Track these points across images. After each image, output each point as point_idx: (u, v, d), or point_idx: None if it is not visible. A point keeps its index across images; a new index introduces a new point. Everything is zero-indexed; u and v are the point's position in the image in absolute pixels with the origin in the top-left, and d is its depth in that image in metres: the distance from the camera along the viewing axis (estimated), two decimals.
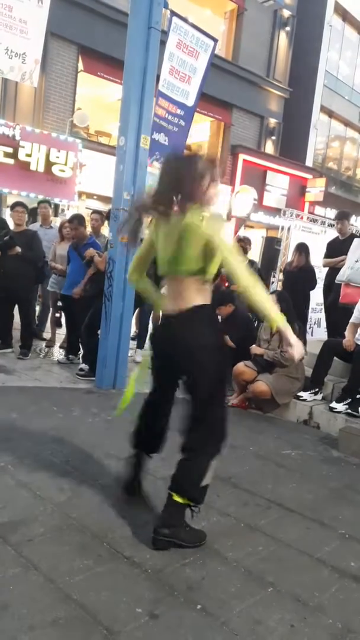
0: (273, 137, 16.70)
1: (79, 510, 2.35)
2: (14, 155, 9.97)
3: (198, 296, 2.18)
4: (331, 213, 17.20)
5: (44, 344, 6.33)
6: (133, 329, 5.99)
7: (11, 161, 9.97)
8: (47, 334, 6.60)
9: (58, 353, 6.00)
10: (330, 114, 18.80)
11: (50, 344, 6.34)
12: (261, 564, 2.13)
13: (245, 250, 6.65)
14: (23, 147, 9.98)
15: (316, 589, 2.01)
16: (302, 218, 8.83)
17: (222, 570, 2.07)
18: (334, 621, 1.83)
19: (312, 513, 2.67)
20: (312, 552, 2.28)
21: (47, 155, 10.31)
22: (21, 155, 10.03)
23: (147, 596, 1.84)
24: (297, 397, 4.52)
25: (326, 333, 6.26)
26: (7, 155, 9.92)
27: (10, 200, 10.05)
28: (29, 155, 10.14)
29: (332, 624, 1.82)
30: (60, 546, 2.07)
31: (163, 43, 5.23)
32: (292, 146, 17.24)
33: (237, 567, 2.09)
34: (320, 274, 6.49)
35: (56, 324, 6.49)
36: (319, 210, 16.93)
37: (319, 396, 4.59)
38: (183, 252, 2.14)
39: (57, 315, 6.40)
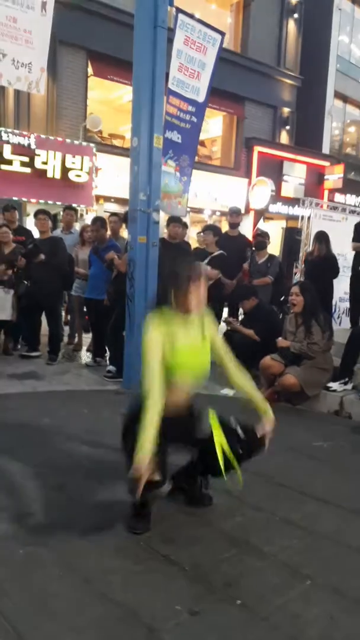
0: (287, 127, 16.49)
1: (114, 510, 2.37)
2: (30, 164, 10.14)
3: None
4: (351, 199, 16.92)
5: (71, 347, 6.41)
6: None
7: (28, 170, 10.13)
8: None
9: (85, 356, 6.08)
10: (345, 98, 18.47)
11: (78, 347, 6.42)
12: (298, 557, 2.12)
13: (264, 245, 6.61)
14: (39, 155, 10.14)
15: (355, 580, 1.99)
16: (322, 206, 8.70)
17: (259, 565, 2.06)
18: None
19: (347, 504, 2.64)
20: (349, 543, 2.25)
21: (63, 162, 10.44)
22: (37, 164, 10.19)
23: (186, 593, 1.85)
24: (327, 388, 4.47)
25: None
26: (23, 164, 10.09)
27: (30, 209, 10.23)
28: (45, 163, 10.29)
29: None
30: (97, 547, 2.10)
31: (170, 41, 5.22)
32: (307, 134, 17.01)
33: (274, 561, 2.09)
34: (346, 261, 6.39)
35: (83, 327, 6.57)
36: (338, 197, 16.65)
37: (349, 386, 4.52)
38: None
39: (85, 318, 6.48)
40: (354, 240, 5.93)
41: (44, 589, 1.84)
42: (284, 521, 2.39)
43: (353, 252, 5.93)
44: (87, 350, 6.21)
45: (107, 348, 5.58)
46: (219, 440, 2.26)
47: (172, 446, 2.28)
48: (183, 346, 2.28)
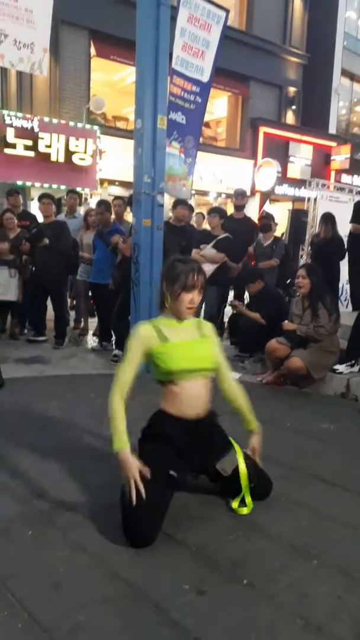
0: (293, 107, 16.24)
1: (119, 492, 2.39)
2: (33, 147, 10.06)
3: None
4: (358, 180, 16.70)
5: (77, 332, 6.43)
6: None
7: (31, 154, 10.06)
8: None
9: (92, 341, 6.09)
10: (352, 77, 18.12)
11: (84, 332, 6.43)
12: (305, 538, 2.13)
13: (270, 227, 6.55)
14: (42, 138, 10.05)
15: None
16: (328, 187, 8.60)
17: (266, 546, 2.08)
18: None
19: (355, 486, 2.65)
20: (356, 524, 2.26)
21: (67, 145, 10.35)
22: (41, 147, 10.11)
23: (193, 573, 1.87)
24: (333, 370, 4.46)
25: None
26: (27, 148, 10.02)
27: (34, 193, 10.18)
28: (49, 147, 10.22)
29: None
30: (105, 528, 2.12)
31: (173, 19, 5.11)
32: (313, 114, 16.74)
33: (280, 542, 2.10)
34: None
35: (88, 312, 6.57)
36: (345, 178, 16.45)
37: (356, 368, 4.51)
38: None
39: (90, 302, 6.48)
40: (352, 221, 5.85)
41: (53, 569, 1.86)
42: (291, 502, 2.40)
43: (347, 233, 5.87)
44: (93, 334, 6.22)
45: (112, 332, 5.59)
46: (244, 480, 2.28)
47: (187, 461, 2.26)
48: (179, 342, 2.27)
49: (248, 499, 2.29)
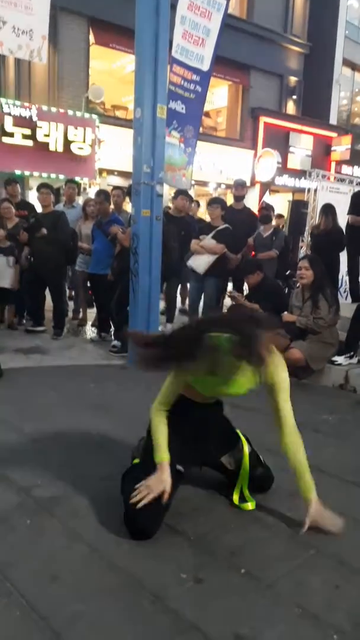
0: (294, 97, 16.13)
1: (119, 482, 2.39)
2: (32, 136, 9.99)
3: None
4: (359, 171, 16.63)
5: (76, 323, 6.42)
6: (161, 304, 6.00)
7: (30, 143, 9.99)
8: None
9: (90, 331, 6.08)
10: (354, 66, 17.96)
11: (82, 322, 6.42)
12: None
13: (269, 218, 6.52)
14: (40, 127, 9.98)
15: (359, 550, 2.01)
16: (328, 178, 8.57)
17: (263, 536, 2.09)
18: None
19: (352, 477, 2.66)
20: (354, 515, 2.27)
21: (65, 134, 10.28)
22: (39, 136, 10.04)
23: (191, 562, 1.88)
24: (332, 362, 4.46)
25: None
26: (25, 137, 9.95)
27: (32, 183, 10.13)
28: (47, 136, 10.14)
29: None
30: (103, 518, 2.13)
31: (173, 7, 5.05)
32: (314, 104, 16.63)
33: (278, 532, 2.11)
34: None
35: (87, 302, 6.56)
36: (346, 169, 16.38)
37: (354, 360, 4.51)
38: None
39: (89, 293, 6.47)
40: (350, 212, 5.82)
41: (52, 558, 1.87)
42: (289, 493, 2.40)
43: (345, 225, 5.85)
44: (92, 325, 6.21)
45: (111, 323, 5.58)
46: (245, 477, 2.28)
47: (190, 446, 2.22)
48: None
49: (246, 492, 2.30)
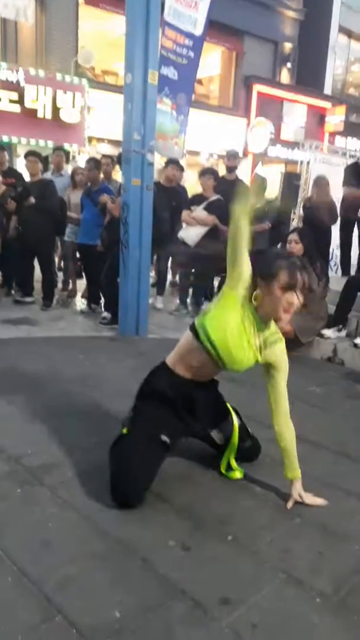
0: (288, 64, 15.77)
1: (107, 452, 2.42)
2: (19, 101, 9.70)
3: None
4: (352, 143, 16.43)
5: (65, 294, 6.37)
6: (152, 276, 5.97)
7: (17, 109, 9.72)
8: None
9: (80, 303, 6.05)
10: (350, 34, 17.52)
11: (72, 294, 6.37)
12: (288, 497, 2.18)
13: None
14: (28, 91, 9.68)
15: (342, 519, 2.06)
16: (322, 150, 8.47)
17: (250, 505, 2.13)
18: None
19: (338, 447, 2.71)
20: (338, 484, 2.32)
21: (54, 100, 10.01)
22: (27, 102, 9.76)
23: (179, 529, 1.92)
24: (321, 335, 4.49)
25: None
26: (12, 101, 9.66)
27: (20, 150, 9.89)
28: (35, 101, 9.86)
29: (359, 550, 1.88)
30: (93, 486, 2.15)
31: None
32: (309, 73, 16.28)
33: (265, 501, 2.16)
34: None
35: (76, 274, 6.49)
36: (339, 141, 16.16)
37: (343, 333, 4.55)
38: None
39: (78, 264, 6.40)
40: (345, 183, 5.77)
41: (43, 526, 1.90)
42: (275, 462, 2.44)
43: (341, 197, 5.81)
44: (82, 296, 6.17)
45: (101, 295, 5.54)
46: (232, 449, 2.31)
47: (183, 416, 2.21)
48: (232, 334, 2.01)
49: (233, 462, 2.33)
